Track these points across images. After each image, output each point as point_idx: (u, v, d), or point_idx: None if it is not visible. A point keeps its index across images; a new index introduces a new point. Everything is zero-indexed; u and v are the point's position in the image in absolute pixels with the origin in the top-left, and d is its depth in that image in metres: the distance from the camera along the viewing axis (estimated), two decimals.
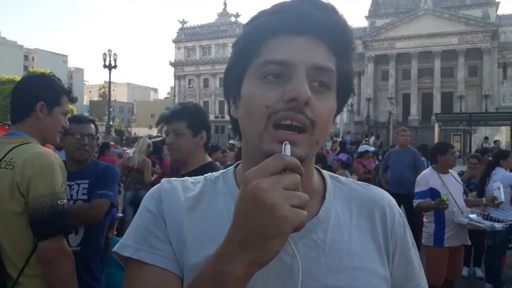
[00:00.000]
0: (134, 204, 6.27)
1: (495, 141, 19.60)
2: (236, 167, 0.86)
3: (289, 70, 0.70)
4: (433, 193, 4.21)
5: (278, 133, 0.68)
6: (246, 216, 0.58)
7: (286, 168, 0.59)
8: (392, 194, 0.92)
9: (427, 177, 4.39)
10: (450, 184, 4.30)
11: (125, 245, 0.76)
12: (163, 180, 0.85)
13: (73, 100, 2.05)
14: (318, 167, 0.87)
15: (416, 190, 4.38)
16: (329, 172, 0.89)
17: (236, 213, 0.60)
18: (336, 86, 0.75)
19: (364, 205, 0.84)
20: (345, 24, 0.76)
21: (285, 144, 0.64)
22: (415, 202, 4.30)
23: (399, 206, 0.90)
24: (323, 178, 0.86)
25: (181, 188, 0.82)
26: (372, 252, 0.79)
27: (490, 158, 5.90)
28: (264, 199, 0.56)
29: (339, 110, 0.80)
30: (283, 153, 0.63)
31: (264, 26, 0.74)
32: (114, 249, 0.77)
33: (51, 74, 2.10)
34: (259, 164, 0.60)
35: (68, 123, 2.03)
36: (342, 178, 0.89)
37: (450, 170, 4.51)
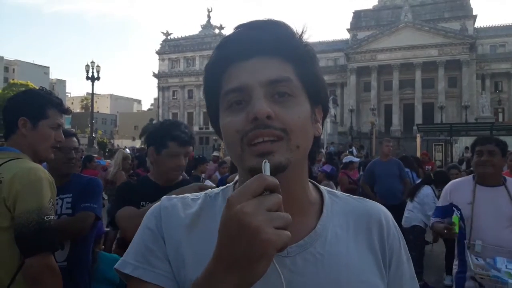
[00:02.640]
0: (111, 216, 6.19)
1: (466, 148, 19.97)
2: (235, 183, 0.88)
3: (247, 93, 0.74)
4: (454, 210, 3.00)
5: (254, 148, 0.71)
6: (231, 239, 0.59)
7: (267, 188, 0.60)
8: (385, 206, 0.93)
9: (451, 187, 3.15)
10: (487, 203, 2.82)
11: (125, 263, 0.79)
12: (164, 197, 0.86)
13: (64, 111, 2.03)
14: (315, 182, 0.89)
15: (437, 205, 3.34)
16: (327, 188, 0.90)
17: (221, 236, 0.61)
18: (306, 91, 0.77)
19: (361, 218, 0.85)
20: (288, 32, 0.78)
21: (264, 163, 0.65)
22: (432, 219, 3.19)
23: (394, 216, 0.91)
24: (320, 192, 0.87)
25: (181, 205, 0.84)
26: (371, 265, 0.80)
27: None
28: (248, 223, 0.57)
29: (325, 112, 0.83)
30: (263, 171, 0.64)
31: (215, 62, 0.79)
32: (116, 266, 0.80)
33: (42, 88, 2.09)
34: (241, 186, 0.61)
35: (63, 136, 2.01)
36: (338, 192, 0.90)
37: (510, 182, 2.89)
